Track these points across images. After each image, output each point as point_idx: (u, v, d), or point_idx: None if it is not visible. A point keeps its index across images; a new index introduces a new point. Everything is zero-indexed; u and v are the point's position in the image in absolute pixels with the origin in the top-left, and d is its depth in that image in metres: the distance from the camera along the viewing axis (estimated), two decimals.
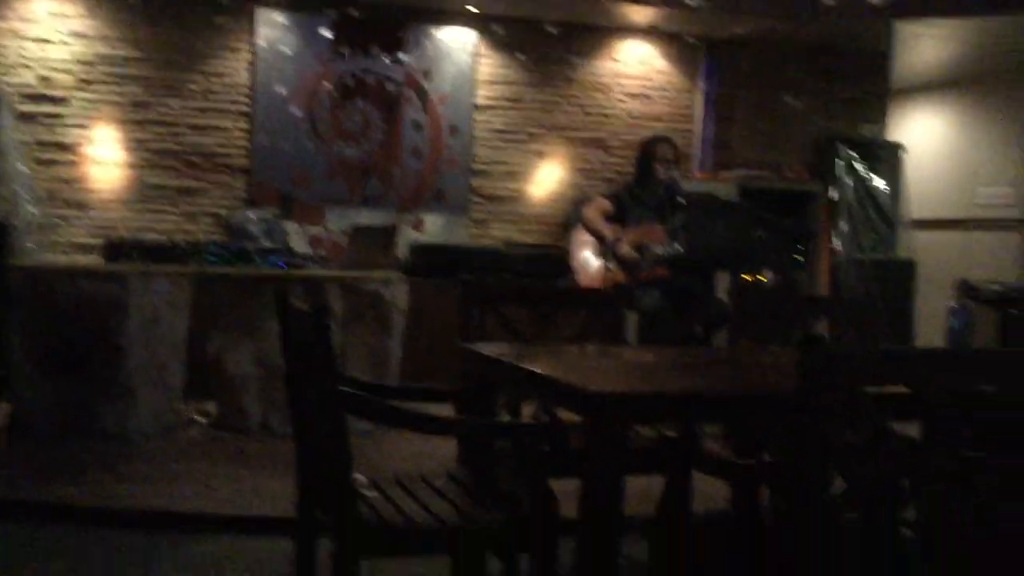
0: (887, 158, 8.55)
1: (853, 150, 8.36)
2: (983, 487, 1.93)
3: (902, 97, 9.69)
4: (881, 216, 8.41)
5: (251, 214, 7.18)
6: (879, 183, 8.42)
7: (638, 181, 5.98)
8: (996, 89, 9.20)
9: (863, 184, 8.35)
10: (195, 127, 7.40)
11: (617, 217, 5.74)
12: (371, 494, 2.50)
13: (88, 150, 7.22)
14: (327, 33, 7.56)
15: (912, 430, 2.20)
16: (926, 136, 9.77)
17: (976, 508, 1.96)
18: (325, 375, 2.29)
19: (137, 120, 7.31)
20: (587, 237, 5.87)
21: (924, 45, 8.29)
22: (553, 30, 7.91)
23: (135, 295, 5.00)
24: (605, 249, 5.61)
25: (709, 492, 3.46)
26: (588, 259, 5.71)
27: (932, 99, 9.93)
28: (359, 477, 2.35)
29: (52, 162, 7.16)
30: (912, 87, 9.75)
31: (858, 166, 8.34)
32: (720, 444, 4.96)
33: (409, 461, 4.72)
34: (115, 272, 5.07)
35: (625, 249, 5.58)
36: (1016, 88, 8.94)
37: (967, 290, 7.69)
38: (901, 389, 2.14)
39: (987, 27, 7.49)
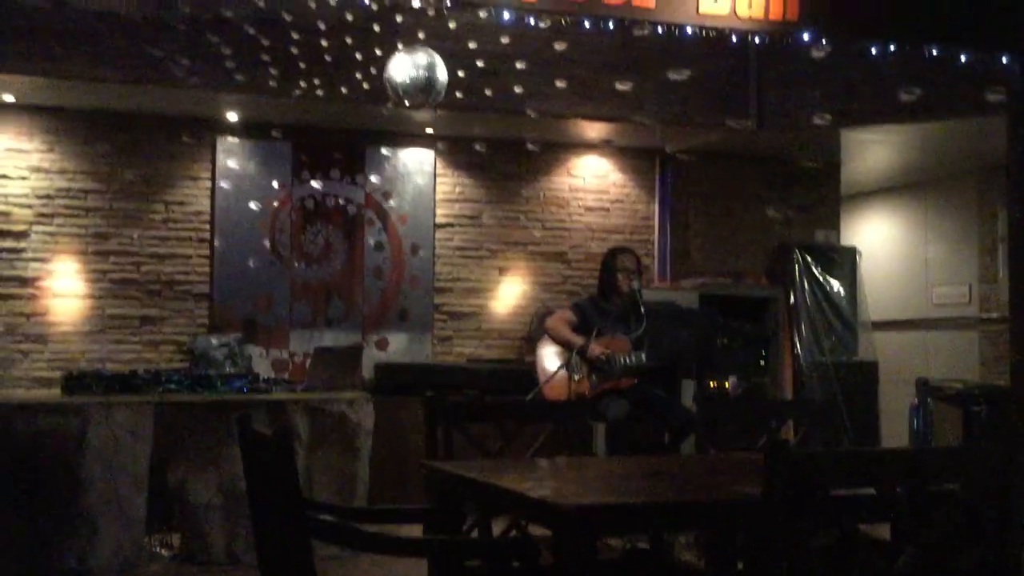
0: (843, 262, 8.70)
1: (809, 255, 8.51)
2: None
3: (854, 202, 9.92)
4: (840, 319, 8.52)
5: (213, 340, 7.15)
6: (836, 287, 8.55)
7: (601, 292, 6.04)
8: (944, 190, 9.45)
9: (821, 288, 8.48)
10: (156, 256, 7.40)
11: (581, 328, 5.78)
12: None
13: (48, 283, 7.18)
14: (287, 158, 7.66)
15: (883, 531, 2.19)
16: (879, 239, 9.98)
17: None
18: (288, 500, 2.26)
19: (97, 251, 7.30)
20: (551, 349, 5.88)
21: (872, 151, 8.52)
22: (510, 148, 8.05)
23: (95, 426, 4.93)
24: (573, 357, 5.61)
25: None
26: (553, 372, 5.71)
27: (884, 203, 10.18)
28: None
29: (11, 297, 7.10)
30: (864, 192, 9.99)
31: (815, 271, 8.47)
32: (693, 553, 4.89)
33: None
34: (73, 405, 5.00)
35: (597, 350, 5.59)
36: (963, 188, 9.19)
37: (927, 389, 7.75)
38: (868, 490, 2.15)
39: (930, 131, 7.73)
